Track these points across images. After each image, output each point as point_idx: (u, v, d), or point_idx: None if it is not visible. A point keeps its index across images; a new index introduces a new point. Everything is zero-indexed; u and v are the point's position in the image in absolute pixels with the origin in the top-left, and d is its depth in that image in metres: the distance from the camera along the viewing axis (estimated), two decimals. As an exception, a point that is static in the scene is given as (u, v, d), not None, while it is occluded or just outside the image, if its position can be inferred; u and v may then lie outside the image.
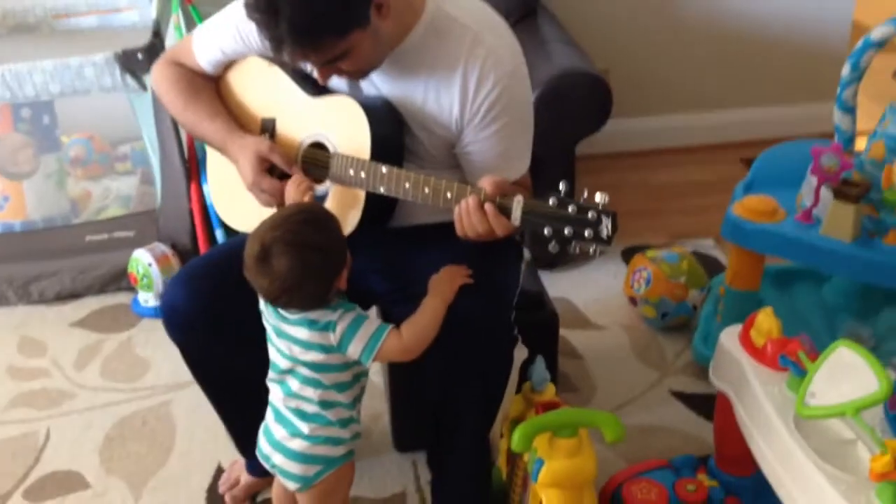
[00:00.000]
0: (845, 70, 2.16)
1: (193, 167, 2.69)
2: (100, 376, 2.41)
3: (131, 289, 2.71)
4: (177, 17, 2.71)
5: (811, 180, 2.03)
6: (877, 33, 2.09)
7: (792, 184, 2.14)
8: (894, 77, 2.12)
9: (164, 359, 2.45)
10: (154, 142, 2.64)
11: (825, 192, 2.00)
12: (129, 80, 2.52)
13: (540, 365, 1.79)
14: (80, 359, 2.48)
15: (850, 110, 2.19)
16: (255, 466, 1.96)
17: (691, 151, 3.50)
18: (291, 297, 1.52)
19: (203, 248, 2.67)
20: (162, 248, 2.66)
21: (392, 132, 1.68)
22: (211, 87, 1.84)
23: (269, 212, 1.68)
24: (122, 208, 2.88)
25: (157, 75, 1.86)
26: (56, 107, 2.80)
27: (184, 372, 2.35)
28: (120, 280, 2.73)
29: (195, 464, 2.11)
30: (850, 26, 3.46)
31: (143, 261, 2.61)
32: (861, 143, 2.21)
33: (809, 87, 3.51)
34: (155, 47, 2.52)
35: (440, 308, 1.58)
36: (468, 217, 1.51)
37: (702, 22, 3.38)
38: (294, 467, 1.63)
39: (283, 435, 1.64)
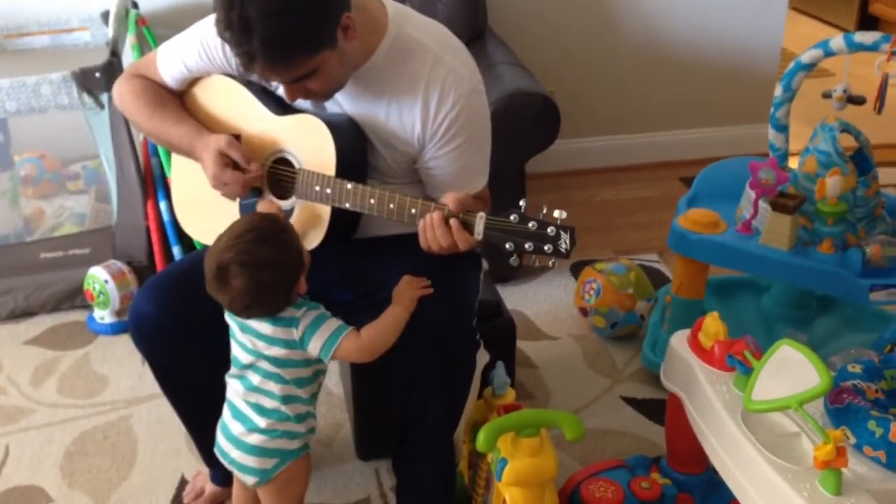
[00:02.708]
0: (778, 90, 2.28)
1: (150, 184, 2.70)
2: (57, 392, 2.40)
3: (86, 306, 2.71)
4: (133, 38, 2.72)
5: (750, 193, 2.15)
6: (807, 56, 2.22)
7: (731, 198, 2.26)
8: (823, 97, 2.25)
9: (123, 375, 2.46)
10: (111, 159, 2.65)
11: (763, 205, 2.12)
12: (87, 98, 2.54)
13: (500, 370, 1.85)
14: (36, 376, 2.47)
15: (782, 128, 2.32)
16: (218, 476, 2.00)
17: (633, 170, 3.63)
18: (252, 311, 1.59)
19: (160, 264, 2.68)
20: (118, 264, 2.66)
21: (356, 149, 1.72)
22: (176, 98, 1.86)
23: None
24: (76, 226, 2.87)
25: (122, 88, 1.85)
26: (10, 125, 2.79)
27: (143, 387, 2.39)
28: (74, 298, 2.72)
29: (158, 476, 2.12)
30: (779, 54, 3.64)
31: (99, 277, 2.61)
32: (793, 163, 2.34)
33: (741, 111, 3.68)
34: (112, 66, 2.54)
35: (401, 315, 1.64)
36: (432, 231, 1.57)
37: (640, 48, 3.52)
38: (251, 461, 1.67)
39: (240, 430, 1.68)
